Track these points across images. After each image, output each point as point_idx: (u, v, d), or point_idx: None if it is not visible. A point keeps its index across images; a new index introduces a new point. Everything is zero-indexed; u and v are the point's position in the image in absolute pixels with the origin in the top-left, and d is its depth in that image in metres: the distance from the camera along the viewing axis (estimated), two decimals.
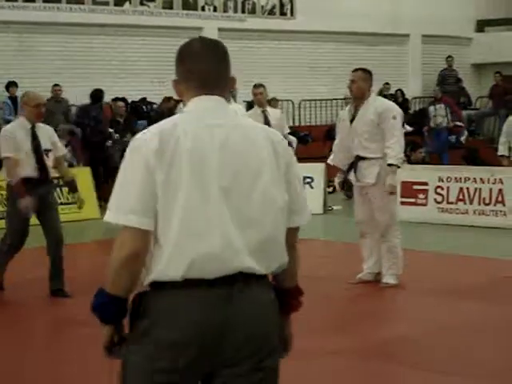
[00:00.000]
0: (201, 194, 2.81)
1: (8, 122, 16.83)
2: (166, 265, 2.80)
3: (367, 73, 8.64)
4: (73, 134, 17.39)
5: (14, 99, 17.06)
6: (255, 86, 12.24)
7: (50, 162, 8.58)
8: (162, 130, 2.85)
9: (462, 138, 20.45)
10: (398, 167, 8.47)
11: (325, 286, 8.72)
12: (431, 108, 20.63)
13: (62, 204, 14.25)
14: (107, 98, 18.18)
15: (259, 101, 12.08)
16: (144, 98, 19.28)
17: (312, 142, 19.93)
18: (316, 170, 14.87)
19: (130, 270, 2.83)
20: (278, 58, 21.24)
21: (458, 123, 20.68)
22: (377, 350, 6.53)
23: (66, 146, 16.12)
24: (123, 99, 18.43)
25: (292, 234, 3.02)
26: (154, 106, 19.21)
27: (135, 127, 18.12)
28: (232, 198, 2.83)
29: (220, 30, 20.08)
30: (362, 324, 7.38)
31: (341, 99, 20.79)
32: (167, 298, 2.83)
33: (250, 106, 15.44)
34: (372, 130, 8.40)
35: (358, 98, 8.53)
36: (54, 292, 8.54)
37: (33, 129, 8.48)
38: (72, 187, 9.14)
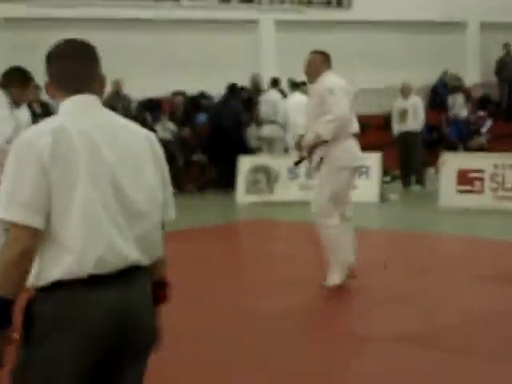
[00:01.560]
0: (96, 191, 2.84)
1: None
2: (73, 264, 2.80)
3: (324, 54, 8.28)
4: None
5: None
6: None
7: None
8: (53, 129, 2.86)
9: (485, 128, 20.25)
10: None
11: (382, 274, 8.85)
12: (450, 98, 20.63)
13: None
14: (166, 93, 18.51)
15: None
16: (202, 93, 19.54)
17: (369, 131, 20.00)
18: (372, 159, 14.97)
19: (20, 269, 2.78)
20: (335, 49, 21.28)
21: (481, 112, 20.61)
22: (425, 336, 6.61)
23: None
24: (182, 93, 18.73)
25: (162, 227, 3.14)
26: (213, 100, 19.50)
27: (194, 121, 18.47)
28: (122, 194, 2.90)
29: (276, 22, 20.26)
30: (412, 310, 7.51)
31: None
32: (66, 297, 2.82)
33: None
34: (314, 110, 7.97)
35: (310, 76, 8.13)
36: None
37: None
38: None
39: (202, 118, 18.78)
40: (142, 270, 2.97)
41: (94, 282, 2.81)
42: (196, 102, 19.29)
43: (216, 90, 18.95)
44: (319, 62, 8.12)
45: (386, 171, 15.95)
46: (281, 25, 20.18)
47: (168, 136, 17.30)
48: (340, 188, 7.92)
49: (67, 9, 17.93)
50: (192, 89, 19.14)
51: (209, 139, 17.71)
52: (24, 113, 7.12)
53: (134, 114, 18.35)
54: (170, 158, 17.14)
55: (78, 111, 2.98)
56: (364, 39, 21.79)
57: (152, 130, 17.70)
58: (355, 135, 8.13)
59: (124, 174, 2.91)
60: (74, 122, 2.91)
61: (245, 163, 15.45)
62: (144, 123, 18.21)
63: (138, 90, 18.21)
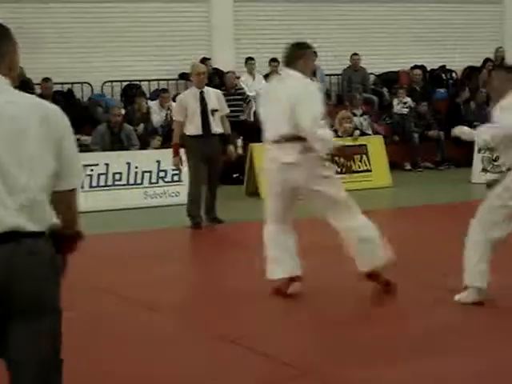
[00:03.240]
0: None
1: None
2: None
3: (509, 70, 6.72)
4: (371, 102, 17.51)
5: None
6: None
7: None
8: None
9: None
10: None
11: None
12: None
13: (354, 172, 14.45)
14: (404, 66, 18.20)
15: None
16: (443, 66, 19.03)
17: None
18: None
19: None
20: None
21: None
22: None
23: (362, 115, 16.20)
24: (421, 67, 18.35)
25: (67, 195, 3.39)
26: (453, 74, 18.98)
27: (433, 95, 18.01)
28: (1, 169, 3.17)
29: None
30: None
31: None
32: None
33: None
34: None
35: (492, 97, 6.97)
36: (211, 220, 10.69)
37: (201, 94, 10.32)
38: (226, 141, 10.63)
39: (441, 93, 18.33)
40: (33, 236, 3.24)
41: None
42: (436, 77, 18.85)
43: (457, 64, 18.42)
44: (501, 81, 6.53)
45: None
46: None
47: (404, 111, 16.99)
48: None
49: None
50: (432, 63, 18.69)
51: (447, 115, 17.25)
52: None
53: (370, 87, 18.18)
54: (405, 134, 16.86)
55: None
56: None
57: (388, 104, 17.50)
58: None
59: (4, 151, 3.19)
60: None
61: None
62: (380, 97, 18.01)
63: (376, 64, 18.02)
